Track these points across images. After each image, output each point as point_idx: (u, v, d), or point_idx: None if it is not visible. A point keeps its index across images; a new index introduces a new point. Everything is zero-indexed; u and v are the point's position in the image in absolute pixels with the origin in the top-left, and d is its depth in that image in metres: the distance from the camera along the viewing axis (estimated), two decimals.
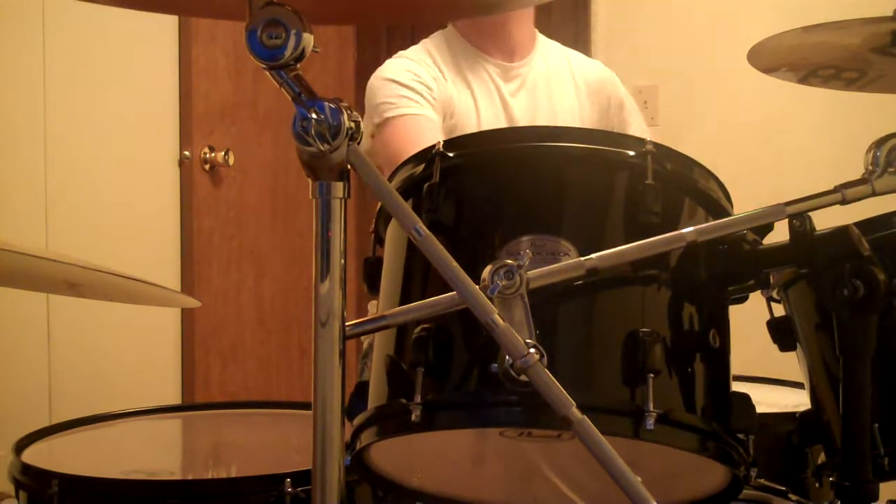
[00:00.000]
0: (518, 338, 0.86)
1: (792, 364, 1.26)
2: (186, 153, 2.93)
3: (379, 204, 1.11)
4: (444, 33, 1.93)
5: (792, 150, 2.99)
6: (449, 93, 1.83)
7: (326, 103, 0.87)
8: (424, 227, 0.89)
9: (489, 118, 1.85)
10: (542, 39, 1.98)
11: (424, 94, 1.79)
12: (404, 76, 1.80)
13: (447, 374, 0.96)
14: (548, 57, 1.96)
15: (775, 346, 1.19)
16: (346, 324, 0.91)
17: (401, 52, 1.90)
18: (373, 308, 1.61)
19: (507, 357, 0.87)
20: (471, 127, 1.82)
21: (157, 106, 2.92)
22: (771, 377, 1.78)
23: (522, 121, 1.87)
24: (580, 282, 0.95)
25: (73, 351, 2.61)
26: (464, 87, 1.85)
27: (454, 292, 0.90)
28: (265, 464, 1.42)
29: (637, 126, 1.99)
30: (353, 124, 0.88)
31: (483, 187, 1.06)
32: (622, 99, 1.99)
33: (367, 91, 1.84)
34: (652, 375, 0.93)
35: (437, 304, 0.95)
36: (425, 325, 0.97)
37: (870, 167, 1.05)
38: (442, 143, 1.06)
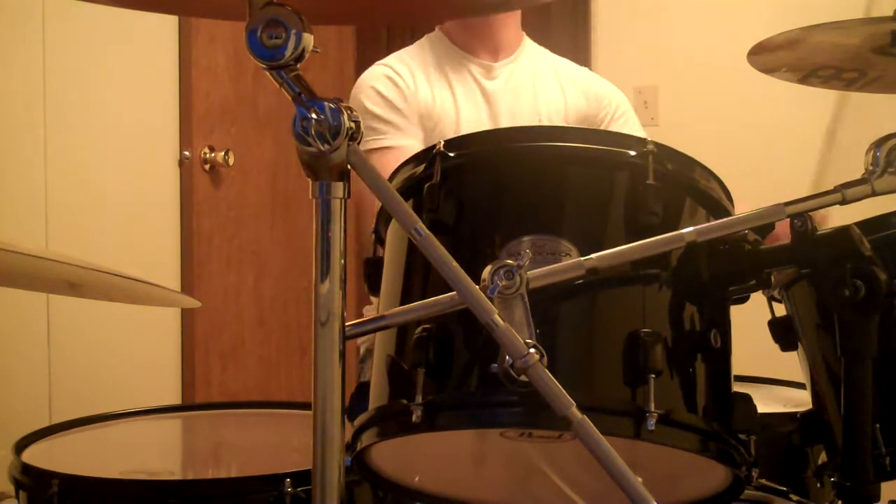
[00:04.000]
0: (518, 338, 0.86)
1: (793, 364, 1.26)
2: (186, 153, 2.93)
3: (379, 204, 1.11)
4: (430, 37, 1.98)
5: (792, 150, 2.99)
6: (424, 99, 1.86)
7: (326, 103, 0.87)
8: (424, 227, 0.89)
9: (469, 116, 1.87)
10: (528, 43, 2.01)
11: (394, 120, 1.83)
12: (375, 102, 1.84)
13: (448, 375, 0.96)
14: (533, 59, 1.99)
15: (776, 346, 1.19)
16: (346, 324, 0.91)
17: (379, 62, 1.93)
18: (368, 312, 1.62)
19: (507, 357, 0.87)
20: (450, 126, 1.85)
21: (157, 106, 2.92)
22: (772, 377, 1.78)
23: (505, 117, 1.89)
24: (580, 282, 0.95)
25: (73, 351, 2.61)
26: (445, 89, 1.89)
27: (454, 292, 0.90)
28: (265, 464, 1.42)
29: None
30: (353, 124, 0.88)
31: (483, 187, 1.06)
32: (623, 112, 2.00)
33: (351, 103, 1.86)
34: (653, 376, 0.92)
35: (437, 304, 0.94)
36: (426, 326, 0.97)
37: (870, 167, 1.05)
38: (443, 143, 1.06)
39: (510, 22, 1.96)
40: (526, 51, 1.99)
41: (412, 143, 1.81)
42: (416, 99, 1.86)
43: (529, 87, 1.94)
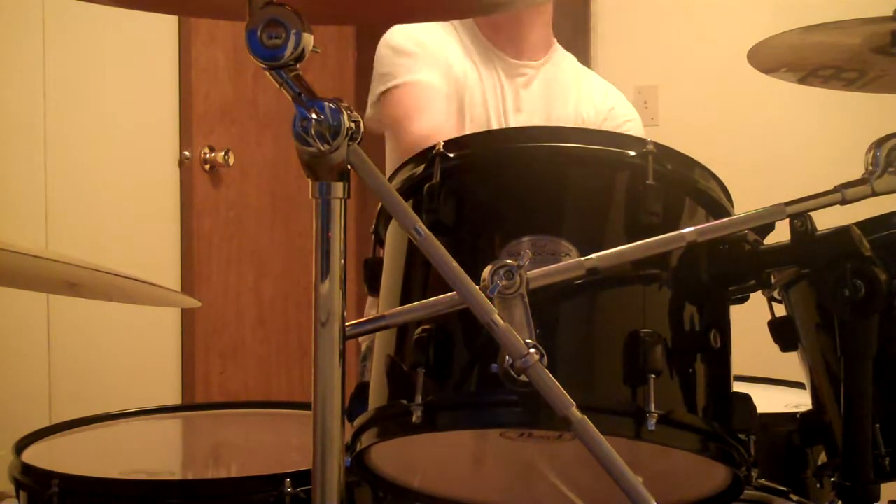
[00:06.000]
0: (518, 338, 0.86)
1: (792, 364, 1.26)
2: (186, 153, 2.92)
3: (379, 204, 1.11)
4: (461, 20, 1.90)
5: (792, 150, 2.99)
6: (451, 60, 1.81)
7: (326, 103, 0.87)
8: (424, 228, 0.89)
9: (492, 100, 1.83)
10: (559, 50, 1.97)
11: (425, 60, 1.78)
12: (405, 42, 1.80)
13: (448, 375, 0.96)
14: (560, 67, 1.94)
15: (776, 347, 1.19)
16: (346, 324, 0.91)
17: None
18: (370, 307, 1.62)
19: (507, 357, 0.87)
20: (477, 99, 1.81)
21: (157, 106, 2.92)
22: (771, 377, 1.78)
23: (523, 118, 1.86)
24: (580, 282, 0.95)
25: (73, 351, 2.61)
26: (471, 66, 1.84)
27: (454, 292, 0.90)
28: (265, 464, 1.42)
29: None
30: (353, 124, 0.88)
31: (483, 187, 1.06)
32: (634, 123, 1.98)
33: (375, 58, 1.85)
34: (653, 376, 0.92)
35: (437, 305, 0.94)
36: (426, 326, 0.97)
37: (870, 167, 1.05)
38: (442, 143, 1.06)
39: (536, 21, 1.90)
40: (555, 57, 1.94)
41: (437, 79, 1.76)
42: (444, 53, 1.80)
43: (552, 94, 1.89)
